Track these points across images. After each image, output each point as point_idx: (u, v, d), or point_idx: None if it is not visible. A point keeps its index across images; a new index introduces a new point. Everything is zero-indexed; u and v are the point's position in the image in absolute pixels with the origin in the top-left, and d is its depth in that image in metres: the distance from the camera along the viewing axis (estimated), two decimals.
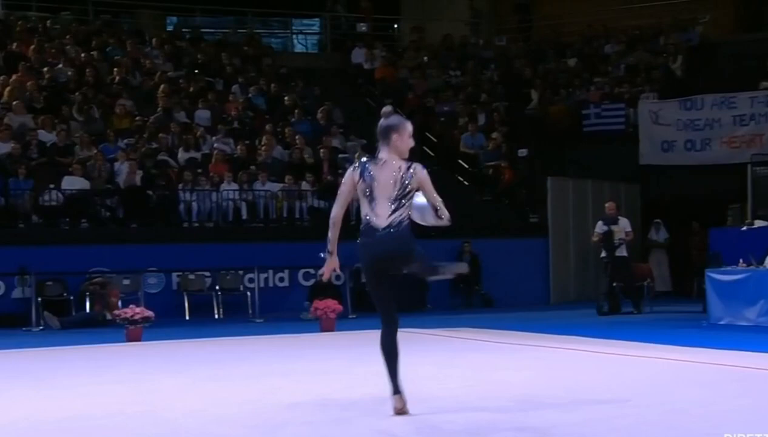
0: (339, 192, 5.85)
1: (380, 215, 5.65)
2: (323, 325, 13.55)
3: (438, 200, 5.71)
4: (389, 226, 5.62)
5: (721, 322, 13.06)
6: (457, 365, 9.29)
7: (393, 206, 5.63)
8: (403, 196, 5.63)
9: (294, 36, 29.37)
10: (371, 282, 5.81)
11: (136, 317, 12.58)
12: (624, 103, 22.26)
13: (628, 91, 22.65)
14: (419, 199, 5.75)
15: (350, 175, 5.79)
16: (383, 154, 5.75)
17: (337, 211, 5.86)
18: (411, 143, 5.82)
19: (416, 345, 11.42)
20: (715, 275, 13.40)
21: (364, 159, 5.84)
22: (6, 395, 7.76)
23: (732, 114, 20.39)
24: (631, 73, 23.74)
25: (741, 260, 13.30)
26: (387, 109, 5.89)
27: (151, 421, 6.31)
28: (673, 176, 20.65)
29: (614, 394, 6.95)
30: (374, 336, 12.50)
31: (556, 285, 19.56)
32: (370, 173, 5.68)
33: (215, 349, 11.58)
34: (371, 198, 5.68)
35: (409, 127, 5.83)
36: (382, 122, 5.80)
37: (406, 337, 12.17)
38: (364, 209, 5.74)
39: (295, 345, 11.90)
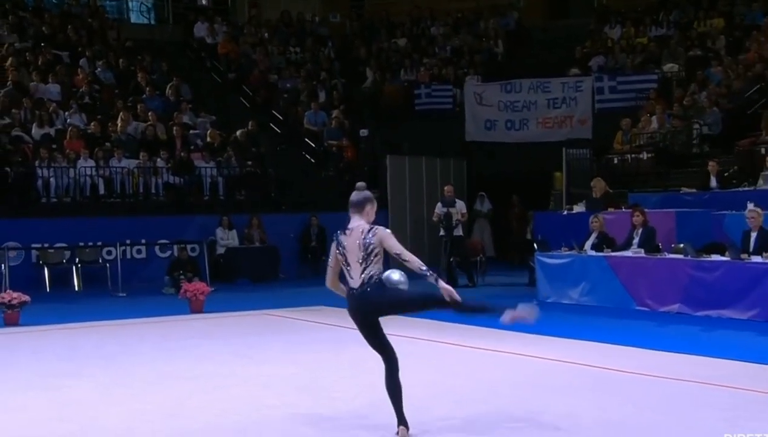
0: (327, 266, 6.71)
1: (354, 277, 6.49)
2: (193, 306, 14.34)
3: (400, 250, 6.40)
4: (362, 285, 6.45)
5: (549, 300, 14.77)
6: (328, 362, 9.56)
7: (362, 266, 6.44)
8: (368, 255, 6.43)
9: (129, 2, 29.48)
10: (362, 332, 6.61)
11: (14, 301, 13.03)
12: (451, 84, 24.18)
13: (454, 72, 24.52)
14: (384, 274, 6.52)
15: (334, 249, 6.62)
16: (354, 222, 6.59)
17: (329, 279, 6.68)
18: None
19: (281, 333, 11.84)
20: (543, 258, 15.21)
21: (338, 232, 6.64)
22: None
23: (546, 97, 22.52)
24: (456, 56, 25.61)
25: (563, 245, 14.99)
26: (361, 184, 6.77)
27: None
28: (495, 152, 22.71)
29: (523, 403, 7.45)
30: (244, 319, 13.67)
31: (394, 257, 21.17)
32: (342, 243, 6.54)
33: (100, 338, 11.70)
34: (347, 264, 6.52)
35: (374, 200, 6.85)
36: (358, 195, 6.61)
37: (274, 322, 13.06)
38: (345, 275, 6.56)
39: (174, 332, 12.18)
